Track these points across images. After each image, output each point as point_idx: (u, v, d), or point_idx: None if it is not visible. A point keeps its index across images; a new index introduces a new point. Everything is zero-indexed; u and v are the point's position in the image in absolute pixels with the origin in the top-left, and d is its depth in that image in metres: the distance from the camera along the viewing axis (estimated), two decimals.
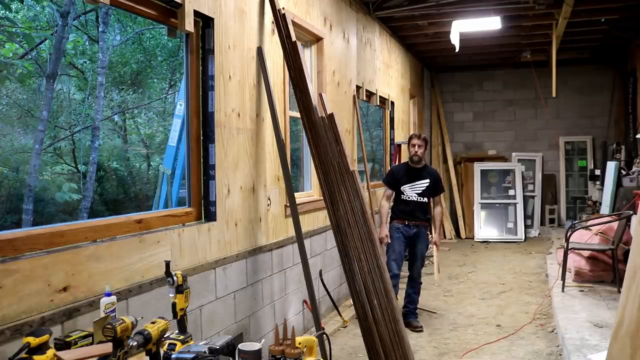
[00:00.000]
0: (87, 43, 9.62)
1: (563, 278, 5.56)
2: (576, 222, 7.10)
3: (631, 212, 5.79)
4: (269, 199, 4.00)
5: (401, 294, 5.12)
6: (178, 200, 6.06)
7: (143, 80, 10.85)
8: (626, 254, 4.91)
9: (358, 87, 6.17)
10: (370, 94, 6.72)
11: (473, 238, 9.92)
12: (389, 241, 4.91)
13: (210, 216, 3.29)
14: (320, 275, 4.73)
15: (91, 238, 2.47)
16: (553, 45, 7.52)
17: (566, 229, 6.17)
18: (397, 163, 7.34)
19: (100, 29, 8.49)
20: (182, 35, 3.16)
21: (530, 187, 10.50)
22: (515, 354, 4.24)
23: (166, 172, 6.43)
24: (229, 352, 2.05)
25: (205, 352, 1.99)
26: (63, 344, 1.94)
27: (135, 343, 1.90)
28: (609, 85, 10.18)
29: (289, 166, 4.06)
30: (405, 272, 5.21)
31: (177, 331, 2.21)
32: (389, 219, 5.11)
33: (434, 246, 5.29)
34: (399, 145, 7.76)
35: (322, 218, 4.95)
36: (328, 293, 4.82)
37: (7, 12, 7.51)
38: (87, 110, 9.71)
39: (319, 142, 3.70)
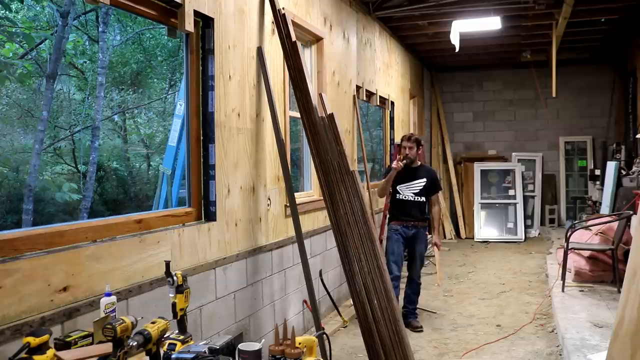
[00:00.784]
0: (87, 43, 9.62)
1: (563, 278, 5.56)
2: (576, 222, 7.10)
3: (631, 212, 5.79)
4: (269, 199, 4.00)
5: (401, 295, 5.11)
6: (178, 200, 6.06)
7: (143, 80, 10.85)
8: (626, 254, 4.91)
9: (358, 87, 6.17)
10: (370, 94, 6.72)
11: (473, 238, 9.92)
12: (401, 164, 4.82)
13: (210, 216, 3.29)
14: (320, 275, 4.73)
15: (91, 238, 2.47)
16: (553, 45, 7.52)
17: (566, 229, 6.17)
18: None
19: (100, 29, 8.49)
20: (182, 35, 3.16)
21: (530, 187, 10.50)
22: (515, 354, 4.24)
23: (166, 172, 6.44)
24: (229, 352, 2.05)
25: (205, 352, 1.99)
26: (63, 344, 1.95)
27: (135, 343, 1.89)
28: (609, 86, 10.18)
29: (289, 166, 4.06)
30: (404, 272, 5.21)
31: (177, 331, 2.21)
32: (387, 220, 5.10)
33: (435, 248, 5.28)
34: (399, 145, 7.74)
35: (322, 218, 4.95)
36: (328, 293, 4.82)
37: (7, 12, 7.51)
38: (87, 110, 9.71)
39: (319, 142, 3.70)
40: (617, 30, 7.84)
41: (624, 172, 7.63)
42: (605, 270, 5.68)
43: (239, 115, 3.57)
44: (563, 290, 5.46)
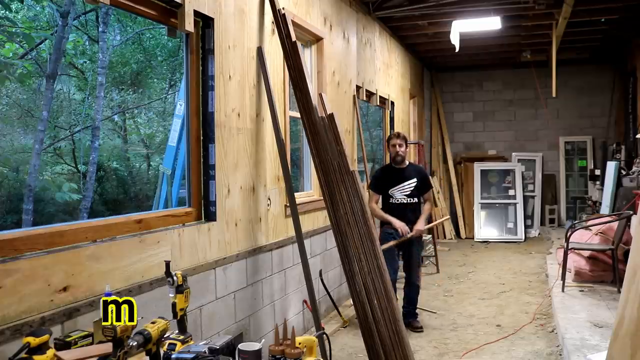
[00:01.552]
0: (87, 43, 9.62)
1: (563, 278, 5.56)
2: (576, 222, 7.10)
3: (631, 212, 5.79)
4: (269, 199, 4.00)
5: (400, 295, 5.09)
6: (178, 200, 6.07)
7: (143, 80, 10.85)
8: (626, 254, 4.91)
9: (358, 87, 6.17)
10: (370, 94, 6.72)
11: (473, 238, 9.92)
12: (407, 229, 4.73)
13: (210, 216, 3.29)
14: (320, 275, 4.73)
15: (91, 238, 2.47)
16: (553, 45, 7.52)
17: (566, 229, 6.17)
18: None
19: (100, 29, 8.49)
20: (182, 35, 3.16)
21: (530, 187, 10.50)
22: (515, 354, 4.24)
23: (166, 172, 6.45)
24: (229, 352, 2.05)
25: (205, 352, 1.99)
26: (63, 344, 1.95)
27: (135, 343, 1.90)
28: (609, 85, 10.18)
29: (289, 166, 4.06)
30: (403, 272, 5.19)
31: (177, 331, 2.21)
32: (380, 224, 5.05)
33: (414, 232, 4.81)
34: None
35: (322, 218, 4.94)
36: (328, 293, 4.82)
37: (7, 12, 7.51)
38: (87, 110, 9.71)
39: (319, 142, 3.70)
40: (617, 30, 7.84)
41: (624, 172, 7.63)
42: (605, 270, 5.68)
43: (239, 115, 3.57)
44: (563, 290, 5.46)
